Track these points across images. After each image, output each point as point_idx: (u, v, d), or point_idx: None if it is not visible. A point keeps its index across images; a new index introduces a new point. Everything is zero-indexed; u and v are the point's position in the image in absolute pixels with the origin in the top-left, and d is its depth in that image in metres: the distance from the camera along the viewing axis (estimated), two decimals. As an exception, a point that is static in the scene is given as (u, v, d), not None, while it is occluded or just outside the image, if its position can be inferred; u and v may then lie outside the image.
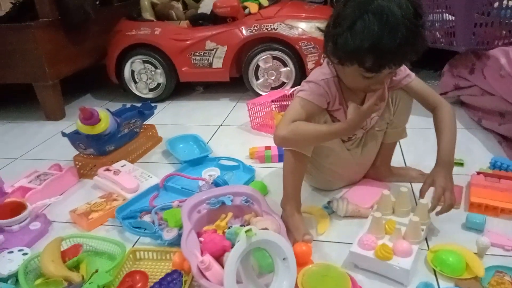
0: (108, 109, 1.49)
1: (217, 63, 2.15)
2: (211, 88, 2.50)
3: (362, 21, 0.82)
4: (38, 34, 1.93)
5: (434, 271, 0.91)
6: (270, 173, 1.40)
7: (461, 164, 1.34)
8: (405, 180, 1.27)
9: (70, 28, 2.11)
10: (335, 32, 0.88)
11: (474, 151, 1.45)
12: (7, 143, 1.89)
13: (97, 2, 2.53)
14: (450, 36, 1.69)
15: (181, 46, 2.14)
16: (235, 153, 1.53)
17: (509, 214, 1.08)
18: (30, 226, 1.16)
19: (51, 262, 0.95)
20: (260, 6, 2.16)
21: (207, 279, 0.83)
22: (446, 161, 1.03)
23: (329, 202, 1.15)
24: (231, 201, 1.08)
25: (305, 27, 2.04)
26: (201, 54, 2.14)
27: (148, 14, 2.27)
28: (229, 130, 1.85)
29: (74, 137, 1.46)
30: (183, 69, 2.19)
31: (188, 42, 2.13)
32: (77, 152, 1.51)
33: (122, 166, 1.42)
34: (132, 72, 2.27)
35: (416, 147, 1.50)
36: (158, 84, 2.28)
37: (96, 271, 0.91)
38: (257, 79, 2.16)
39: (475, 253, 0.93)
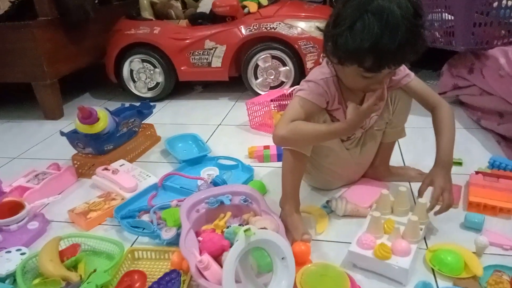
0: (106, 108, 1.49)
1: (216, 62, 2.14)
2: (210, 87, 2.50)
3: (362, 21, 0.82)
4: (37, 33, 1.93)
5: (433, 270, 0.91)
6: (269, 173, 1.40)
7: (460, 164, 1.34)
8: (404, 179, 1.27)
9: (70, 27, 2.10)
10: (334, 32, 0.87)
11: (473, 151, 1.45)
12: (5, 142, 1.89)
13: (96, 1, 2.53)
14: (449, 35, 1.69)
15: (180, 45, 2.14)
16: (234, 153, 1.53)
17: (507, 214, 1.08)
18: (28, 225, 1.15)
19: (49, 261, 0.95)
20: (260, 5, 2.16)
21: (205, 278, 0.83)
22: (445, 161, 1.03)
23: (328, 202, 1.15)
24: (230, 200, 1.08)
25: (305, 27, 2.04)
26: (200, 53, 2.14)
27: (147, 13, 2.27)
28: (228, 130, 1.84)
29: (73, 136, 1.46)
30: (182, 68, 2.19)
31: (187, 41, 2.13)
32: (76, 151, 1.50)
33: (120, 166, 1.42)
34: (131, 71, 2.27)
35: (415, 146, 1.50)
36: (157, 83, 2.28)
37: (95, 270, 0.90)
38: (256, 78, 2.16)
39: (474, 253, 0.93)
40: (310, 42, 2.02)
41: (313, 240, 1.02)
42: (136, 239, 1.10)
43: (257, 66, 2.13)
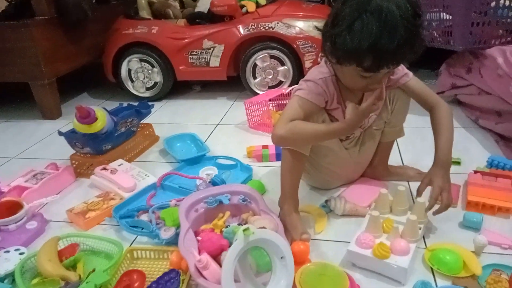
0: (105, 108, 1.49)
1: (215, 62, 2.14)
2: (208, 87, 2.50)
3: (361, 21, 0.82)
4: (35, 33, 1.92)
5: (432, 269, 0.91)
6: (268, 172, 1.40)
7: (458, 163, 1.34)
8: (403, 179, 1.27)
9: (67, 27, 2.10)
10: (333, 32, 0.87)
11: (471, 150, 1.46)
12: (3, 142, 1.88)
13: (94, 1, 2.52)
14: (448, 35, 1.70)
15: (178, 44, 2.13)
16: (233, 152, 1.53)
17: (506, 213, 1.08)
18: (27, 225, 1.15)
19: (48, 261, 0.94)
20: (258, 5, 2.16)
21: (204, 278, 0.83)
22: (443, 161, 1.03)
23: (326, 201, 1.15)
24: (229, 200, 1.08)
25: (303, 26, 2.04)
26: (198, 53, 2.14)
27: (145, 13, 2.26)
28: (227, 129, 1.84)
29: (71, 136, 1.46)
30: (180, 67, 2.19)
31: (185, 40, 2.13)
32: (74, 151, 1.50)
33: (119, 165, 1.41)
34: (129, 70, 2.26)
35: (413, 146, 1.50)
36: (155, 83, 2.27)
37: (93, 270, 0.90)
38: (255, 78, 2.16)
39: (472, 252, 0.93)
40: (308, 41, 2.02)
41: (312, 239, 1.02)
42: (135, 239, 1.10)
43: (255, 65, 2.12)
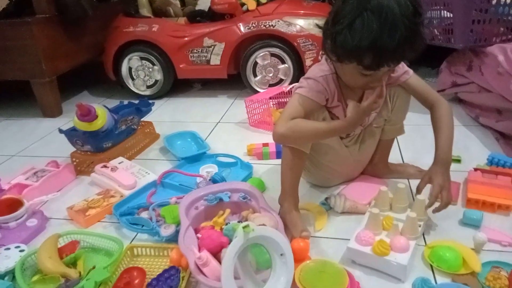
0: (105, 106, 1.49)
1: (215, 60, 2.14)
2: (209, 85, 2.50)
3: (361, 19, 0.82)
4: (35, 31, 1.92)
5: (431, 266, 0.91)
6: (268, 170, 1.40)
7: (459, 161, 1.34)
8: (403, 176, 1.27)
9: (68, 24, 2.10)
10: (334, 30, 0.87)
11: (472, 148, 1.45)
12: (4, 140, 1.89)
13: (95, -1, 2.52)
14: (448, 33, 1.70)
15: (179, 43, 2.13)
16: (233, 150, 1.53)
17: (505, 210, 1.08)
18: (27, 222, 1.15)
19: (48, 258, 0.95)
20: (258, 3, 2.16)
21: (204, 275, 0.83)
22: (444, 159, 1.03)
23: (326, 199, 1.15)
24: (229, 197, 1.08)
25: (303, 24, 2.04)
26: (199, 51, 2.14)
27: (145, 11, 2.26)
28: (227, 127, 1.84)
29: (71, 134, 1.46)
30: (180, 66, 2.19)
31: (186, 39, 2.13)
32: (74, 149, 1.50)
33: (119, 163, 1.42)
34: (130, 69, 2.26)
35: (413, 144, 1.50)
36: (156, 81, 2.27)
37: (94, 267, 0.90)
38: (255, 76, 2.16)
39: (472, 249, 0.93)
40: (309, 39, 2.02)
41: (312, 237, 1.02)
42: (135, 236, 1.10)
43: (256, 63, 2.12)
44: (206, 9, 2.21)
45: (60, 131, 1.46)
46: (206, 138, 1.71)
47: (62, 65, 2.12)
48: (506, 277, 0.83)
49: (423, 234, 1.01)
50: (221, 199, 1.07)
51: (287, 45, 2.06)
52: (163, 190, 1.30)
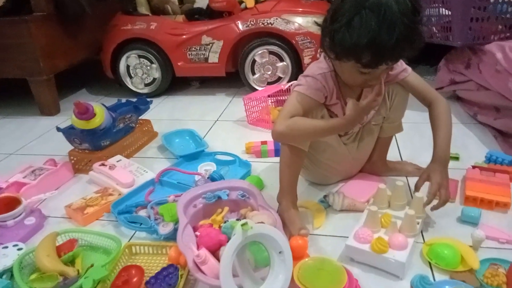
0: (103, 104, 1.48)
1: (213, 58, 2.14)
2: (207, 83, 2.50)
3: (360, 17, 0.82)
4: (33, 29, 1.92)
5: (430, 263, 0.91)
6: (266, 168, 1.40)
7: (457, 158, 1.35)
8: (401, 174, 1.27)
9: (66, 22, 2.09)
10: (332, 28, 0.87)
11: (470, 146, 1.46)
12: (1, 138, 1.88)
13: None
14: (446, 31, 1.69)
15: (177, 40, 2.13)
16: (231, 148, 1.53)
17: (503, 208, 1.08)
18: (25, 221, 1.15)
19: (46, 257, 0.94)
20: (257, 1, 2.15)
21: (203, 273, 0.83)
22: (442, 157, 1.03)
23: (325, 196, 1.15)
24: (227, 195, 1.08)
25: (302, 22, 2.03)
26: (197, 49, 2.13)
27: (143, 9, 2.26)
28: (225, 125, 1.84)
29: (69, 132, 1.46)
30: (179, 64, 2.18)
31: (184, 36, 2.12)
32: (72, 147, 1.50)
33: (117, 161, 1.41)
34: (128, 67, 2.26)
35: (412, 141, 1.50)
36: (154, 79, 2.27)
37: (92, 265, 0.91)
38: (253, 74, 2.16)
39: (470, 246, 0.94)
40: (307, 37, 2.02)
41: (310, 234, 1.02)
42: (134, 234, 1.10)
43: (254, 61, 2.12)
44: (204, 7, 2.20)
45: (58, 129, 1.45)
46: (204, 136, 1.70)
47: (60, 63, 2.11)
48: (504, 274, 0.84)
49: (421, 232, 1.02)
50: (219, 197, 1.07)
51: (286, 43, 2.05)
52: (161, 188, 1.30)
